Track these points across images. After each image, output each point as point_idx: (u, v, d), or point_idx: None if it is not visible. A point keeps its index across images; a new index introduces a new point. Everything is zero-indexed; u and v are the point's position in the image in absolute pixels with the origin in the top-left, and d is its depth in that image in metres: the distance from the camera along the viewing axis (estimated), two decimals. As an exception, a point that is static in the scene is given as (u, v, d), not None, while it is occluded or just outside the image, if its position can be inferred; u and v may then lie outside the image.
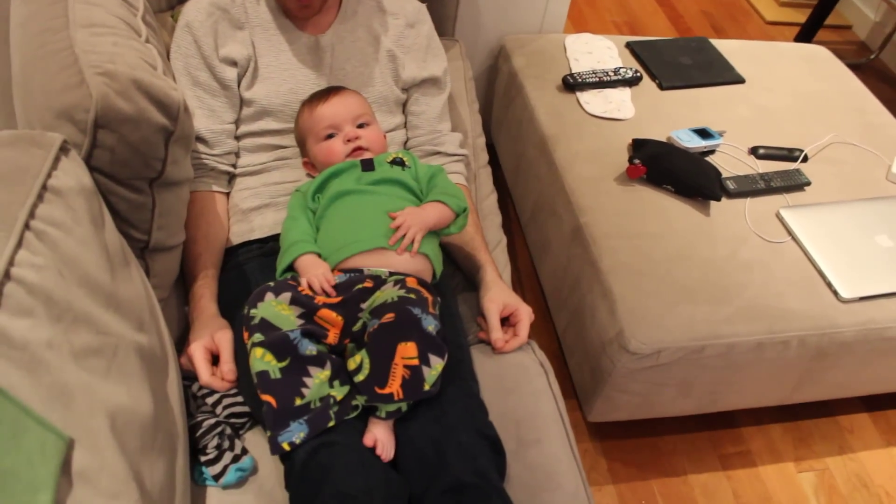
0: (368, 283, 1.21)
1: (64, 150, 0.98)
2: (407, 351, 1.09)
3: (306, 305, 1.17)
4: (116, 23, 1.13)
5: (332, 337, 1.18)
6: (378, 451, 1.09)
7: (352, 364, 1.13)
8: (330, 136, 1.38)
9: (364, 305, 1.19)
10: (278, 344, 1.11)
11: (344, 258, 1.25)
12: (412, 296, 1.15)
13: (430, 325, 1.13)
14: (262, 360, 1.10)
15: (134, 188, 1.11)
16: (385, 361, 1.09)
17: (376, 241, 1.24)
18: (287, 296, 1.17)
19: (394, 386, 1.08)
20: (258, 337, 1.12)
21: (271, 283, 1.19)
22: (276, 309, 1.15)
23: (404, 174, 1.35)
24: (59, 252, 0.90)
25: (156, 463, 0.95)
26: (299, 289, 1.19)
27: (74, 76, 1.00)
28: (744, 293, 1.60)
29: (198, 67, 1.41)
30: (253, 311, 1.15)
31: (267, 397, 1.09)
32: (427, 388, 1.09)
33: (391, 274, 1.24)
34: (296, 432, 1.07)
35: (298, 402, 1.08)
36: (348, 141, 1.37)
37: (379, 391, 1.08)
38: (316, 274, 1.20)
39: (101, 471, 0.82)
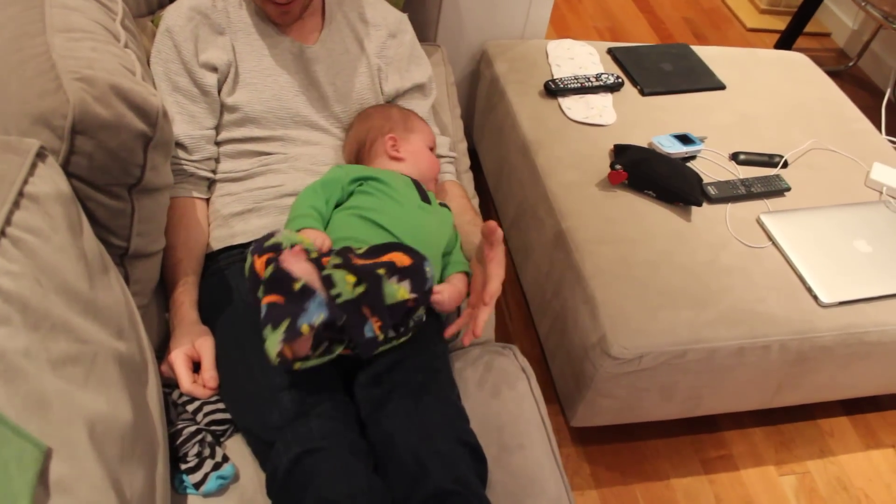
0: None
1: (41, 156, 0.97)
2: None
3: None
4: (95, 28, 1.12)
5: None
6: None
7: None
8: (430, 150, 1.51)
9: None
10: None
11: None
12: None
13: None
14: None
15: (113, 194, 1.10)
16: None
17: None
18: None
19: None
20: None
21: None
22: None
23: (448, 221, 1.39)
24: (36, 259, 0.89)
25: (135, 471, 0.94)
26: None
27: (51, 82, 0.99)
28: (725, 298, 1.61)
29: (178, 73, 1.40)
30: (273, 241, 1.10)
31: (272, 297, 1.03)
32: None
33: None
34: (315, 313, 1.01)
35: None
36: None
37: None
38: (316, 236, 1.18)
39: (79, 480, 0.82)
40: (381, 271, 1.07)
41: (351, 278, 1.07)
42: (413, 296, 1.11)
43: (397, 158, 1.44)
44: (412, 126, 1.50)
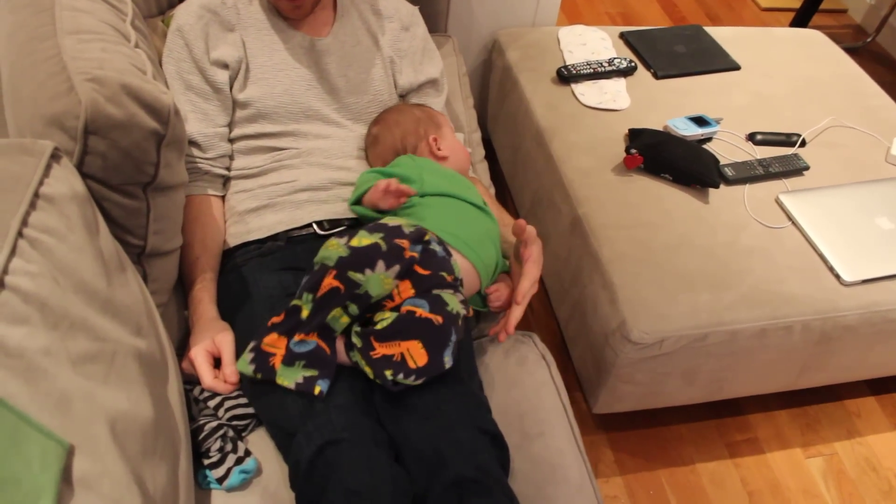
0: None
1: (55, 157, 0.98)
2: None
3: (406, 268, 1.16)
4: (104, 29, 1.13)
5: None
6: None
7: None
8: None
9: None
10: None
11: (453, 245, 1.26)
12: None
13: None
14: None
15: (127, 193, 1.10)
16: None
17: (481, 270, 1.29)
18: (396, 269, 1.14)
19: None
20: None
21: (382, 245, 1.14)
22: (382, 284, 1.13)
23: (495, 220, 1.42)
24: (53, 259, 0.89)
25: (158, 467, 0.95)
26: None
27: (63, 83, 1.00)
28: (745, 279, 1.60)
29: (189, 71, 1.41)
30: (358, 278, 1.11)
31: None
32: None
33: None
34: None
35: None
36: None
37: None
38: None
39: (102, 476, 0.82)
40: (388, 373, 1.11)
41: (368, 369, 1.13)
42: (420, 381, 1.13)
43: (443, 157, 1.45)
44: (439, 121, 1.51)
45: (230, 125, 1.45)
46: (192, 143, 1.40)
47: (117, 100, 1.00)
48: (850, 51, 2.63)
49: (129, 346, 0.97)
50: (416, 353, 1.11)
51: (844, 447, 1.92)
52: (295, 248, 1.36)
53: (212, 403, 1.20)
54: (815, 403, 1.99)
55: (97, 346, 0.91)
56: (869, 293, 1.62)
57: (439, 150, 1.45)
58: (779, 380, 1.78)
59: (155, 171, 1.11)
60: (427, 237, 1.20)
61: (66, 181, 0.97)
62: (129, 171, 1.07)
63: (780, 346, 1.62)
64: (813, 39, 2.42)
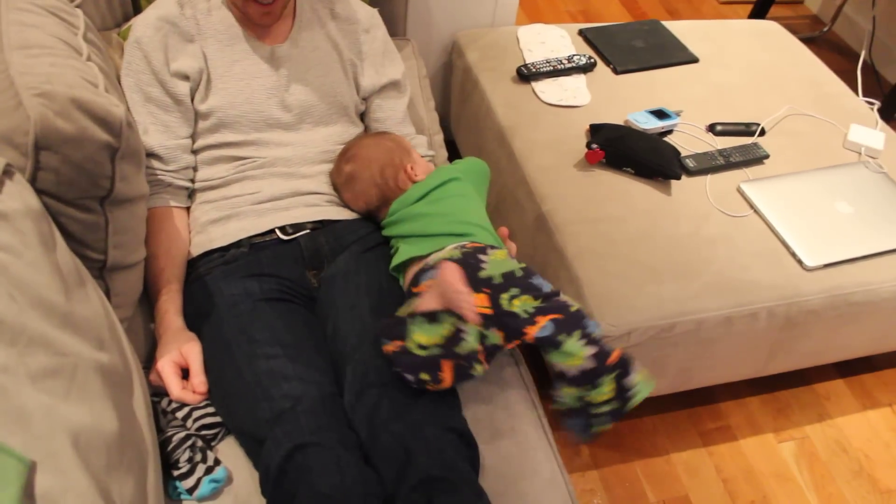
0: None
1: (7, 173, 0.97)
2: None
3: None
4: (54, 43, 1.12)
5: None
6: None
7: None
8: None
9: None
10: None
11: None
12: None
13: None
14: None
15: (84, 208, 1.10)
16: None
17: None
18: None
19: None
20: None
21: None
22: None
23: None
24: (8, 276, 0.89)
25: (125, 480, 0.94)
26: None
27: (11, 99, 0.99)
28: (709, 268, 1.61)
29: (149, 83, 1.40)
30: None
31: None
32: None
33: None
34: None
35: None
36: None
37: None
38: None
39: (66, 492, 0.81)
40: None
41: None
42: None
43: (420, 180, 1.47)
44: (406, 145, 1.52)
45: (193, 136, 1.45)
46: (154, 155, 1.39)
47: (67, 114, 1.00)
48: (807, 41, 2.67)
49: (90, 360, 0.96)
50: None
51: (815, 430, 1.94)
52: (258, 254, 1.36)
53: (180, 414, 1.20)
54: (785, 389, 2.01)
55: (57, 360, 0.90)
56: (831, 277, 1.65)
57: (416, 175, 1.47)
58: (748, 367, 1.80)
59: (111, 184, 1.10)
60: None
61: (19, 197, 0.97)
62: (83, 185, 1.06)
63: (747, 333, 1.63)
64: (770, 30, 2.45)
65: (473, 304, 1.14)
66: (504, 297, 1.18)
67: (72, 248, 1.08)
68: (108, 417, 0.95)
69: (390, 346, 1.16)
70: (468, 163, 1.48)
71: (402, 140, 1.54)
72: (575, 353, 1.15)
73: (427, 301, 1.16)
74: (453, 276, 1.16)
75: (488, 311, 1.16)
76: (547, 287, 1.23)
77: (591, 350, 1.15)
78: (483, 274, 1.20)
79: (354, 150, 1.48)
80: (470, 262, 1.21)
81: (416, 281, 1.27)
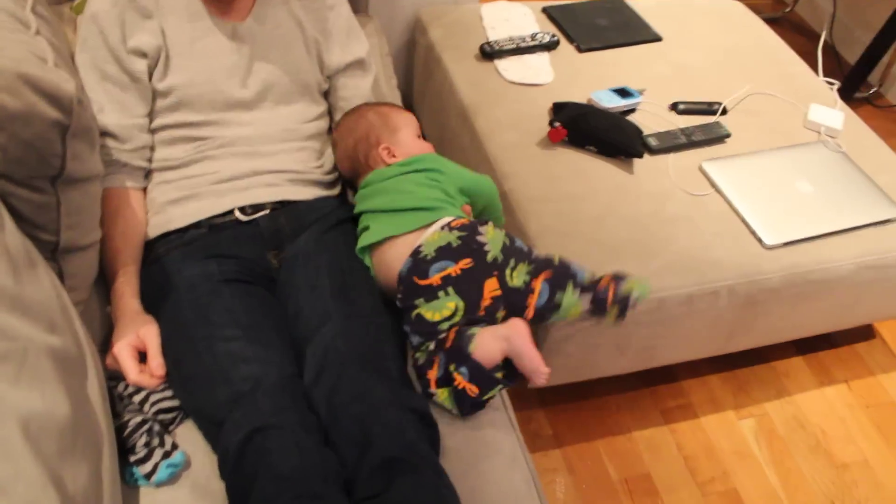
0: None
1: (-49, 152, 0.94)
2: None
3: None
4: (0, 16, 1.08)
5: None
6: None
7: None
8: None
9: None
10: None
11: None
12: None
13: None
14: None
15: (34, 188, 1.06)
16: None
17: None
18: None
19: None
20: None
21: None
22: None
23: None
24: (-48, 258, 0.86)
25: (78, 466, 0.92)
26: None
27: (-46, 74, 0.96)
28: (671, 247, 1.62)
29: (105, 60, 1.35)
30: None
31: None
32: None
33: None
34: None
35: None
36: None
37: None
38: None
39: (16, 479, 0.80)
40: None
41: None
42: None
43: (393, 159, 1.45)
44: (395, 125, 1.48)
45: (150, 115, 1.41)
46: (110, 134, 1.35)
47: (14, 90, 0.96)
48: (770, 21, 2.68)
49: (41, 344, 0.94)
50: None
51: (774, 407, 1.97)
52: (218, 235, 1.34)
53: (137, 398, 1.17)
54: (745, 366, 2.04)
55: (5, 345, 0.88)
56: (790, 255, 1.66)
57: (394, 157, 1.44)
58: (709, 345, 1.82)
59: (62, 163, 1.07)
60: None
61: (-36, 177, 0.94)
62: (33, 164, 1.03)
63: (708, 311, 1.65)
64: (733, 10, 2.46)
65: (542, 364, 1.22)
66: (507, 272, 1.28)
67: (23, 229, 1.06)
68: (60, 402, 0.92)
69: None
70: (475, 181, 1.47)
71: (392, 116, 1.50)
72: (573, 305, 1.28)
73: (490, 351, 1.22)
74: (526, 336, 1.22)
75: (498, 293, 1.26)
76: (525, 246, 1.34)
77: (586, 299, 1.29)
78: (489, 257, 1.27)
79: (344, 118, 1.52)
80: (474, 249, 1.26)
81: (422, 273, 1.26)
